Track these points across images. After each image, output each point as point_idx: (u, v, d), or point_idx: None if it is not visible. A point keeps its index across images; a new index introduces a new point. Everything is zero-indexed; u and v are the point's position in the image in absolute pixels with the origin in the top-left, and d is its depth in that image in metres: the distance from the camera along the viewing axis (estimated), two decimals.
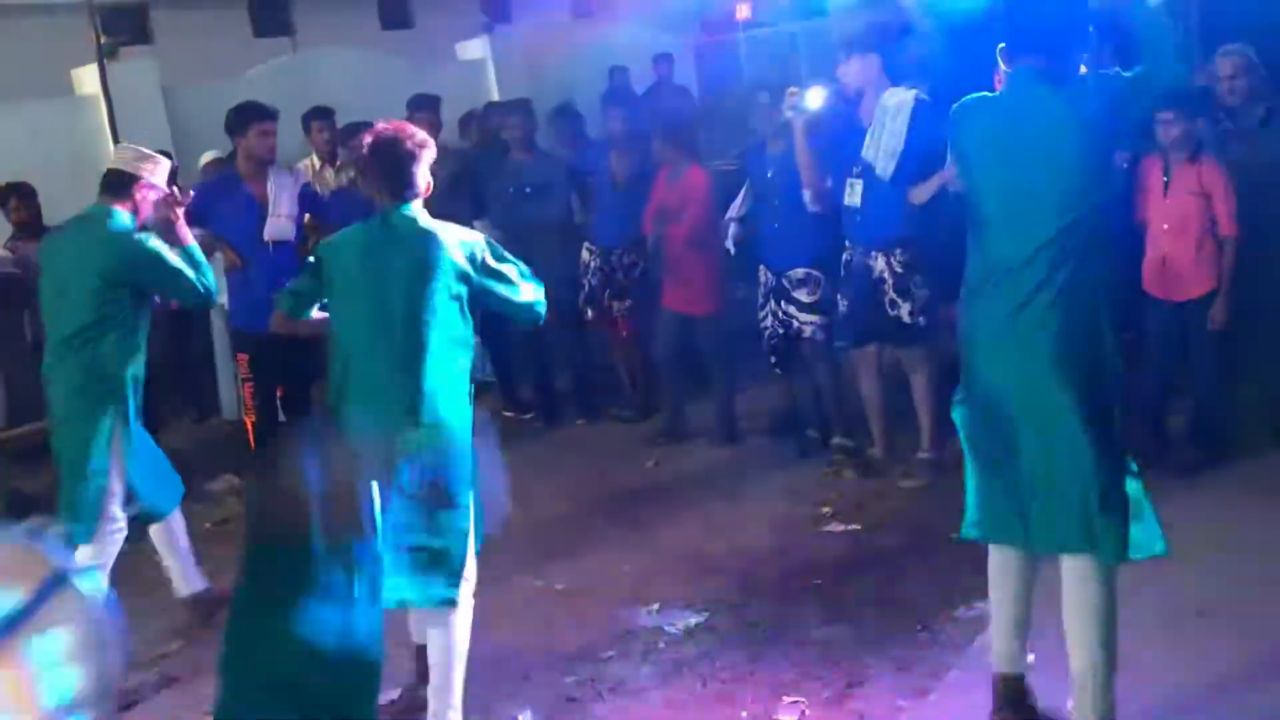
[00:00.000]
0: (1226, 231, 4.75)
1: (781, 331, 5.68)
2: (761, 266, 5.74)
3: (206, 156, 7.33)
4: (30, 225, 6.71)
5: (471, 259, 3.42)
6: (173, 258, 4.23)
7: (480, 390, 7.12)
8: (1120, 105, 2.99)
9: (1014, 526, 3.07)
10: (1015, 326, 2.98)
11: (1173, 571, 3.79)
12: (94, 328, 4.18)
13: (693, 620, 4.18)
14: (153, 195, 4.27)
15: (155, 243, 4.22)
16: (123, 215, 4.21)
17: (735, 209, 5.94)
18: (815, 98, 5.04)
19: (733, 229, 5.96)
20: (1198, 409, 5.03)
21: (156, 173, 4.30)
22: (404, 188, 3.42)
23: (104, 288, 4.16)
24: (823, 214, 5.37)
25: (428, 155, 3.47)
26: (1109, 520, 2.93)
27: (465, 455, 3.43)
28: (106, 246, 4.17)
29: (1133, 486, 3.03)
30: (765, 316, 5.76)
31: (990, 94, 3.18)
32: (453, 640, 3.43)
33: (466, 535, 3.43)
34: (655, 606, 4.30)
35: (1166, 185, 4.83)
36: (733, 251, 6.06)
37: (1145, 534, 3.04)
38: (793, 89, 5.15)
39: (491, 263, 3.45)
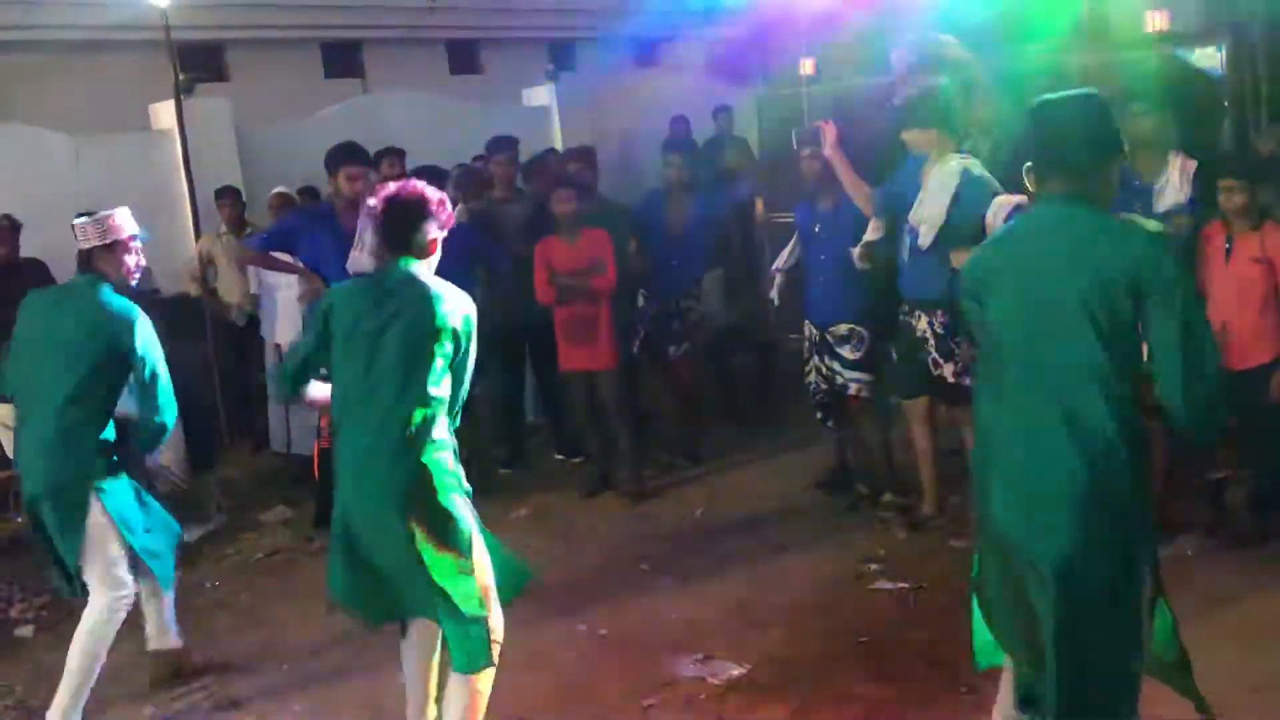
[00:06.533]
0: None
1: (825, 387, 5.69)
2: (806, 321, 5.77)
3: (276, 191, 7.59)
4: None
5: (467, 326, 3.42)
6: None
7: (530, 432, 7.27)
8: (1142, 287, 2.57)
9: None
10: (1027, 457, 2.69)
11: (1228, 646, 3.73)
12: None
13: (735, 672, 4.16)
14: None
15: None
16: None
17: (782, 261, 5.98)
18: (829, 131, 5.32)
19: (778, 280, 6.00)
20: (1257, 480, 4.95)
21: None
22: (404, 245, 3.45)
23: None
24: (869, 270, 5.40)
25: (435, 217, 3.47)
26: None
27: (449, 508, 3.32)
28: None
29: None
30: (810, 371, 5.77)
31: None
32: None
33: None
34: (699, 656, 4.29)
35: (1228, 252, 4.79)
36: (776, 303, 6.10)
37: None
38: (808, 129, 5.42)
39: (472, 341, 3.46)
